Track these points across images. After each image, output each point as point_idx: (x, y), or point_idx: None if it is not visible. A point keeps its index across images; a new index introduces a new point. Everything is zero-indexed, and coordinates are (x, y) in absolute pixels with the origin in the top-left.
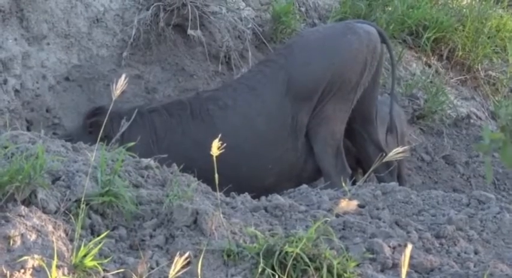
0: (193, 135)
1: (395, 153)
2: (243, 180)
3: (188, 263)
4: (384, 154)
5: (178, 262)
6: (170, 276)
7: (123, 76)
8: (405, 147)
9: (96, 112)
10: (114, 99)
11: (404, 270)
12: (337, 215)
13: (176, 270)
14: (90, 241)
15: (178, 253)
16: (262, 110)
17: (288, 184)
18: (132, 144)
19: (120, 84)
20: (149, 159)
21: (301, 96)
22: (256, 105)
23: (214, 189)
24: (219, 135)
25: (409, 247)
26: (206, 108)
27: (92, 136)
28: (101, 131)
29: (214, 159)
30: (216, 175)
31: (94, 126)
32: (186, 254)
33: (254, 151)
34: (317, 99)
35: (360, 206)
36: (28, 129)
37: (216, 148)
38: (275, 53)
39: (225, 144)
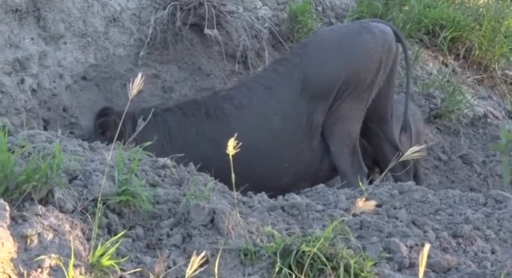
0: (208, 134)
1: (411, 152)
2: (258, 179)
3: (205, 263)
4: (401, 154)
5: (195, 261)
6: (187, 275)
7: (139, 75)
8: (421, 146)
9: (103, 112)
10: (130, 98)
11: (422, 269)
12: (354, 215)
13: (193, 269)
14: (107, 240)
15: (195, 253)
16: (277, 109)
17: (304, 183)
18: (148, 143)
19: (137, 83)
20: (166, 158)
21: (317, 95)
22: (272, 104)
23: (230, 189)
24: (235, 134)
25: (427, 246)
26: (221, 107)
27: (105, 137)
28: (118, 130)
29: (231, 158)
30: (233, 175)
31: (103, 126)
32: (203, 254)
33: (269, 150)
34: (333, 98)
35: (377, 205)
36: (45, 129)
37: (232, 147)
38: (290, 52)
39: (240, 144)
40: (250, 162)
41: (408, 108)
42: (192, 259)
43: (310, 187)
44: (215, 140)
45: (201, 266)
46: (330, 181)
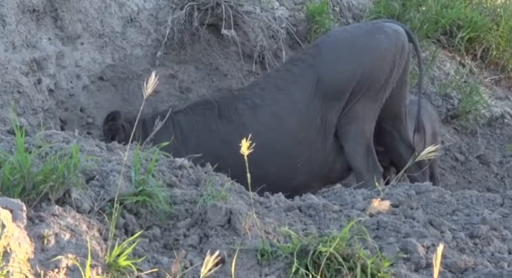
0: (221, 134)
1: (427, 152)
2: (271, 179)
3: (222, 263)
4: (416, 154)
5: (210, 260)
6: (202, 275)
7: (153, 74)
8: (437, 146)
9: (110, 117)
10: (145, 97)
11: (436, 270)
12: (371, 215)
13: (208, 269)
14: (124, 240)
15: (208, 252)
16: (290, 109)
17: (317, 183)
18: (166, 143)
19: (151, 83)
20: (183, 159)
21: (331, 95)
22: (285, 105)
23: (245, 188)
24: (248, 134)
25: (441, 246)
26: (234, 107)
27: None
28: (125, 135)
29: (246, 158)
30: (248, 175)
31: (111, 130)
32: (217, 253)
33: (283, 150)
34: (346, 98)
35: (394, 206)
36: (62, 129)
37: (246, 147)
38: (303, 52)
39: (253, 143)
40: (263, 162)
41: (424, 109)
42: (206, 259)
43: (322, 188)
44: (228, 140)
45: (216, 265)
46: (342, 181)
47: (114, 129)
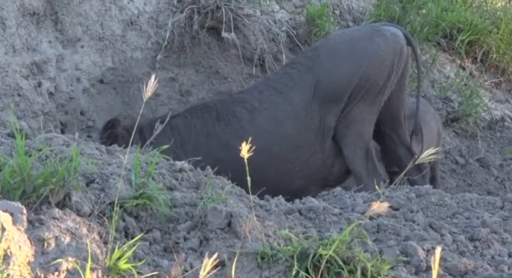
0: (219, 137)
1: (427, 154)
2: (269, 183)
3: (222, 266)
4: (416, 157)
5: (208, 263)
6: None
7: (153, 77)
8: (437, 148)
9: (110, 125)
10: (144, 100)
11: (435, 272)
12: (371, 218)
13: (206, 271)
14: (124, 243)
15: (207, 255)
16: (289, 113)
17: (315, 187)
18: (165, 146)
19: (151, 86)
20: (183, 162)
21: (329, 99)
22: (284, 108)
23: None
24: (247, 137)
25: (439, 249)
26: (233, 110)
27: None
28: (124, 142)
29: (246, 161)
30: (248, 178)
31: (110, 138)
32: (215, 256)
33: (281, 154)
34: (345, 101)
35: (394, 209)
36: (62, 132)
37: (246, 150)
38: (302, 55)
39: (252, 147)
40: (261, 165)
41: (428, 109)
42: (204, 262)
43: (321, 191)
44: (227, 143)
45: (215, 267)
46: (342, 184)
47: (113, 137)
